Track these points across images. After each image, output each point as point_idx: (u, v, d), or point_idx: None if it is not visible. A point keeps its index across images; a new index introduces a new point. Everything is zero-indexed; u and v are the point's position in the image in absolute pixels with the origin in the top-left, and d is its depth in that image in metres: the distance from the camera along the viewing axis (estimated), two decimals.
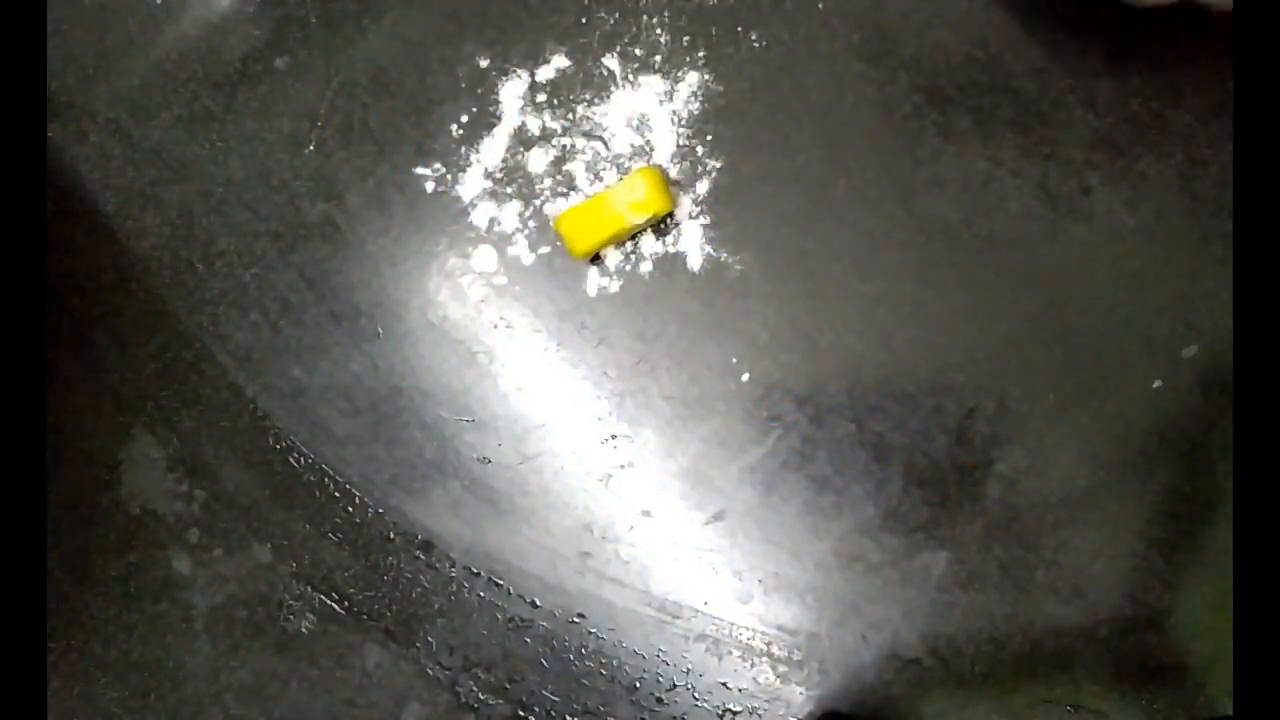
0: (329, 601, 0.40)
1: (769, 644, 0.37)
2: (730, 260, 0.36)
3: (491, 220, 0.37)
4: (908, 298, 0.35)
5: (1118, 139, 0.34)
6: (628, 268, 0.37)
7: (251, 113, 0.38)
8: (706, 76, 0.36)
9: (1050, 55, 0.34)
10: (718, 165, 0.36)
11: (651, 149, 0.36)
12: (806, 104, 0.35)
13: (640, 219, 0.35)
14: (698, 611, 0.38)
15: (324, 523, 0.39)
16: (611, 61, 0.36)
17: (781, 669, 0.37)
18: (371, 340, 0.38)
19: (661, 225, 0.36)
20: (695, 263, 0.36)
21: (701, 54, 0.36)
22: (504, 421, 0.38)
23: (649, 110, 0.36)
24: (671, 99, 0.36)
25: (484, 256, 0.38)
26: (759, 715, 0.38)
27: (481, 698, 0.39)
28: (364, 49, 0.37)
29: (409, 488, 0.39)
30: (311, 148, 0.38)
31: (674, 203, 0.36)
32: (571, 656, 0.38)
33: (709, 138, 0.36)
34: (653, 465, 0.37)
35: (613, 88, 0.36)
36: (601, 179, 0.37)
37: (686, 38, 0.36)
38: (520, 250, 0.37)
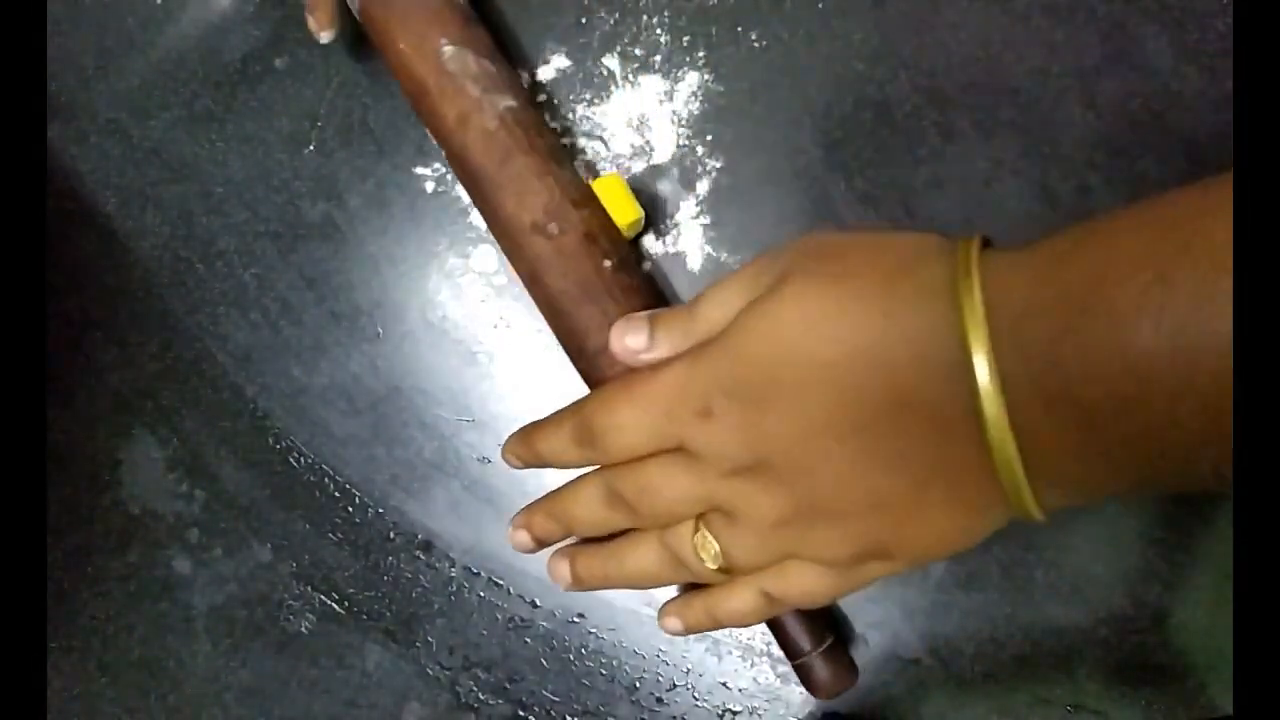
0: (329, 601, 0.40)
1: (769, 644, 0.37)
2: (730, 260, 0.36)
3: None
4: None
5: (1118, 139, 0.34)
6: None
7: (251, 113, 0.38)
8: (706, 76, 0.36)
9: (1050, 55, 0.34)
10: (718, 165, 0.36)
11: (651, 149, 0.36)
12: (806, 104, 0.35)
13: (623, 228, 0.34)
14: None
15: (324, 523, 0.39)
16: (611, 61, 0.36)
17: (781, 669, 0.37)
18: (371, 340, 0.38)
19: (661, 225, 0.36)
20: (695, 263, 0.36)
21: (701, 54, 0.36)
22: (504, 421, 0.38)
23: (649, 110, 0.36)
24: (671, 99, 0.36)
25: (484, 256, 0.38)
26: (759, 715, 0.38)
27: (481, 698, 0.39)
28: (364, 49, 0.37)
29: (409, 488, 0.39)
30: (311, 148, 0.38)
31: (639, 210, 0.35)
32: (571, 656, 0.38)
33: (709, 138, 0.36)
34: None
35: (613, 88, 0.36)
36: None
37: (686, 38, 0.36)
38: None
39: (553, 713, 0.39)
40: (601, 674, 0.38)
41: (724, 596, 0.31)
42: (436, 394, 0.38)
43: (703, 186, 0.36)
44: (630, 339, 0.30)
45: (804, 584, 0.29)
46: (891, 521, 0.27)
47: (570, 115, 0.37)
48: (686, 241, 0.36)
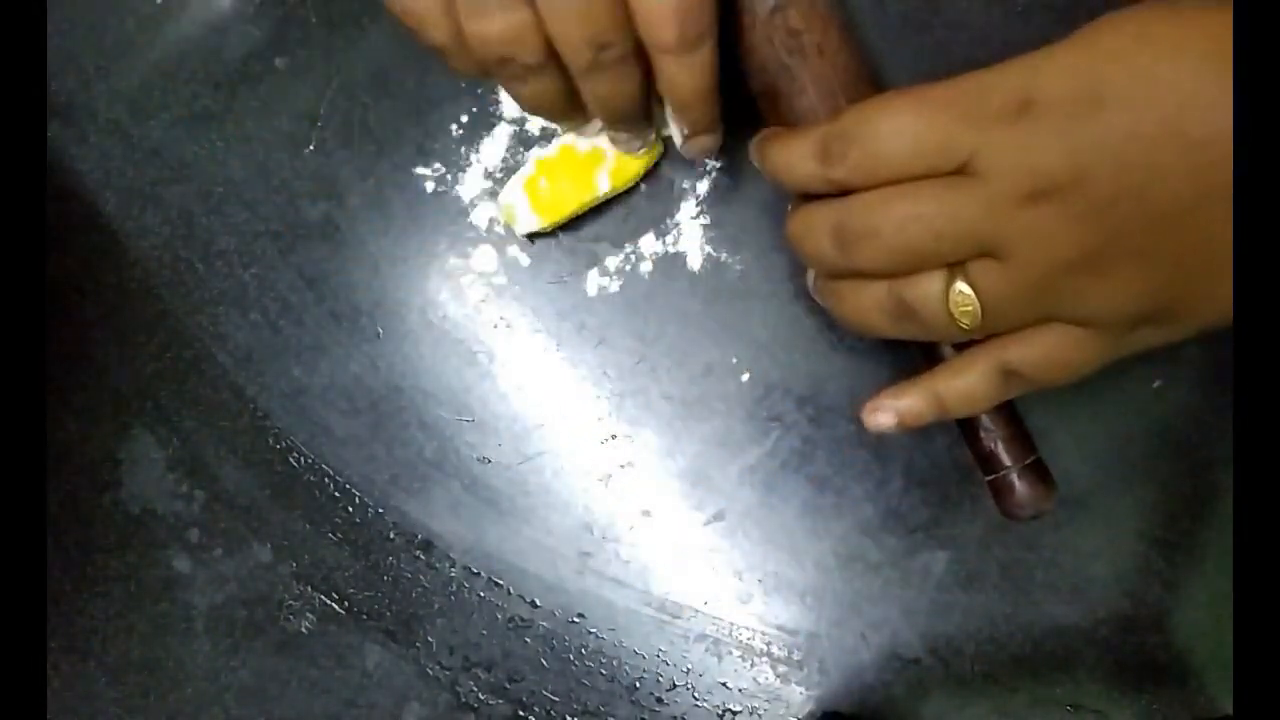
0: (329, 601, 0.40)
1: (769, 644, 0.37)
2: (730, 260, 0.36)
3: (491, 220, 0.37)
4: None
5: None
6: (628, 268, 0.37)
7: (251, 113, 0.38)
8: None
9: None
10: (718, 165, 0.36)
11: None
12: None
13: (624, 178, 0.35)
14: (698, 611, 0.38)
15: (324, 523, 0.39)
16: None
17: (781, 669, 0.37)
18: (371, 340, 0.38)
19: (661, 225, 0.36)
20: (695, 263, 0.36)
21: None
22: (504, 421, 0.38)
23: None
24: None
25: (484, 256, 0.38)
26: (759, 715, 0.38)
27: (481, 698, 0.39)
28: (364, 49, 0.37)
29: (409, 488, 0.39)
30: (311, 148, 0.38)
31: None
32: (571, 656, 0.38)
33: None
34: (653, 465, 0.37)
35: None
36: None
37: None
38: (520, 250, 0.37)
39: (553, 713, 0.39)
40: (601, 674, 0.38)
41: (954, 375, 0.27)
42: (436, 394, 0.38)
43: (703, 186, 0.36)
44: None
45: (1060, 352, 0.25)
46: (1206, 269, 0.23)
47: None
48: (687, 241, 0.36)
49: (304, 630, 0.40)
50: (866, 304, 0.27)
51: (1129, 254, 0.23)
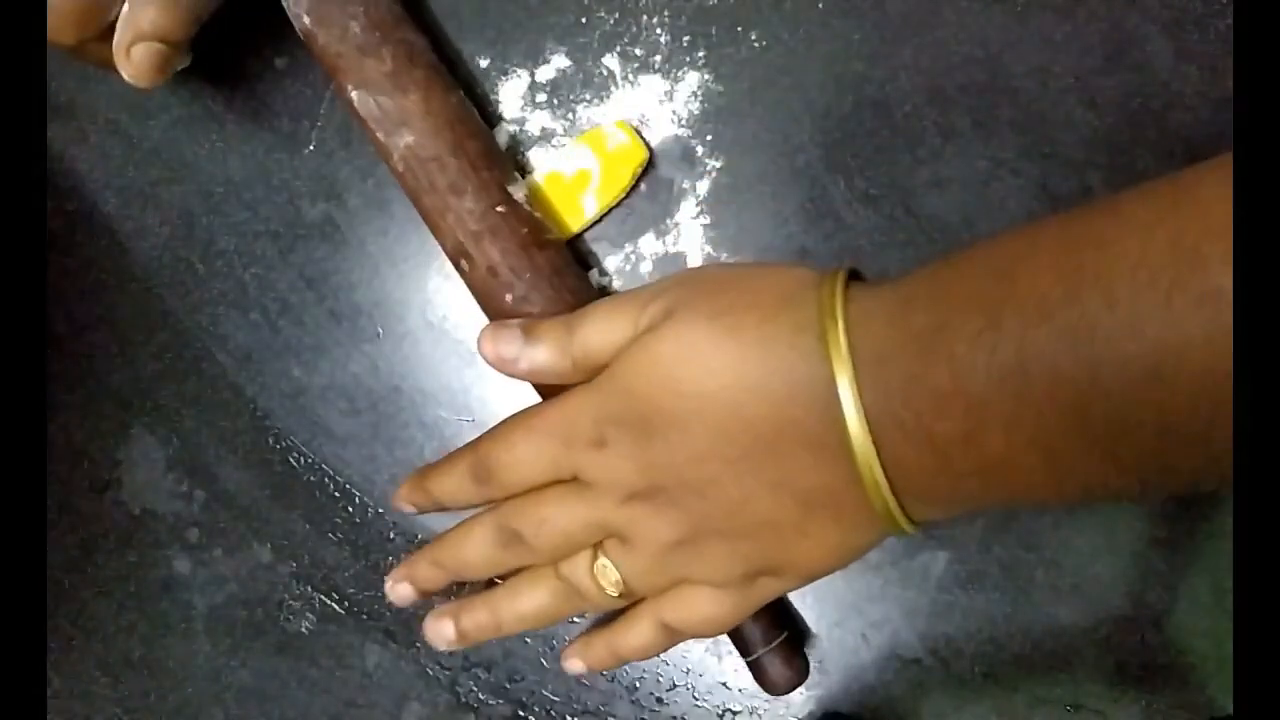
0: (329, 601, 0.40)
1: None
2: (730, 260, 0.36)
3: None
4: None
5: (1118, 139, 0.34)
6: (627, 268, 0.37)
7: (251, 113, 0.38)
8: (706, 76, 0.36)
9: (1050, 55, 0.34)
10: (718, 165, 0.36)
11: (651, 149, 0.36)
12: (807, 104, 0.35)
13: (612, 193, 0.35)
14: None
15: (324, 523, 0.39)
16: (611, 61, 0.36)
17: None
18: (371, 340, 0.38)
19: (661, 225, 0.36)
20: (695, 263, 0.36)
21: (701, 54, 0.36)
22: None
23: (649, 110, 0.36)
24: (671, 99, 0.36)
25: None
26: (759, 715, 0.38)
27: (481, 698, 0.39)
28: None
29: None
30: (311, 148, 0.38)
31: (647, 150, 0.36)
32: None
33: (709, 138, 0.36)
34: None
35: (613, 88, 0.36)
36: None
37: (686, 38, 0.36)
38: None
39: (553, 713, 0.39)
40: (601, 674, 0.38)
41: (624, 631, 0.32)
42: (436, 394, 0.38)
43: (703, 186, 0.36)
44: (503, 347, 0.32)
45: (700, 608, 0.30)
46: (779, 540, 0.28)
47: (570, 115, 0.37)
48: (686, 241, 0.36)
49: (304, 630, 0.40)
50: (541, 594, 0.31)
51: (712, 533, 0.28)
